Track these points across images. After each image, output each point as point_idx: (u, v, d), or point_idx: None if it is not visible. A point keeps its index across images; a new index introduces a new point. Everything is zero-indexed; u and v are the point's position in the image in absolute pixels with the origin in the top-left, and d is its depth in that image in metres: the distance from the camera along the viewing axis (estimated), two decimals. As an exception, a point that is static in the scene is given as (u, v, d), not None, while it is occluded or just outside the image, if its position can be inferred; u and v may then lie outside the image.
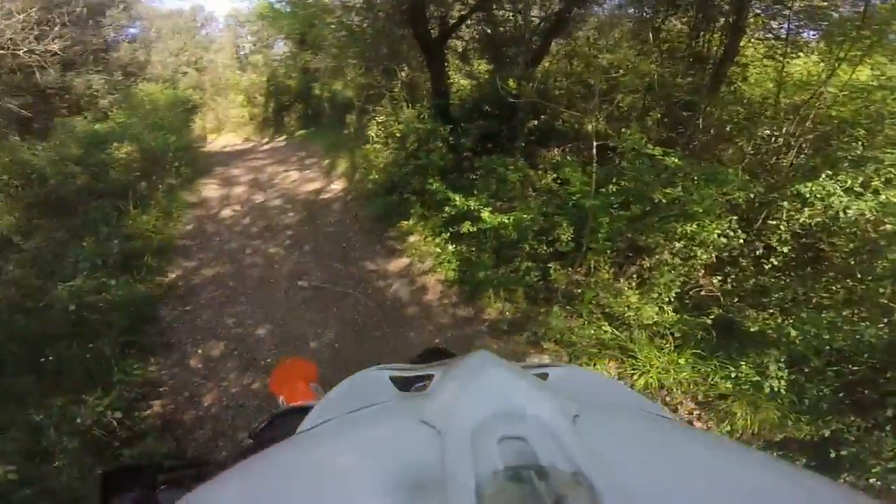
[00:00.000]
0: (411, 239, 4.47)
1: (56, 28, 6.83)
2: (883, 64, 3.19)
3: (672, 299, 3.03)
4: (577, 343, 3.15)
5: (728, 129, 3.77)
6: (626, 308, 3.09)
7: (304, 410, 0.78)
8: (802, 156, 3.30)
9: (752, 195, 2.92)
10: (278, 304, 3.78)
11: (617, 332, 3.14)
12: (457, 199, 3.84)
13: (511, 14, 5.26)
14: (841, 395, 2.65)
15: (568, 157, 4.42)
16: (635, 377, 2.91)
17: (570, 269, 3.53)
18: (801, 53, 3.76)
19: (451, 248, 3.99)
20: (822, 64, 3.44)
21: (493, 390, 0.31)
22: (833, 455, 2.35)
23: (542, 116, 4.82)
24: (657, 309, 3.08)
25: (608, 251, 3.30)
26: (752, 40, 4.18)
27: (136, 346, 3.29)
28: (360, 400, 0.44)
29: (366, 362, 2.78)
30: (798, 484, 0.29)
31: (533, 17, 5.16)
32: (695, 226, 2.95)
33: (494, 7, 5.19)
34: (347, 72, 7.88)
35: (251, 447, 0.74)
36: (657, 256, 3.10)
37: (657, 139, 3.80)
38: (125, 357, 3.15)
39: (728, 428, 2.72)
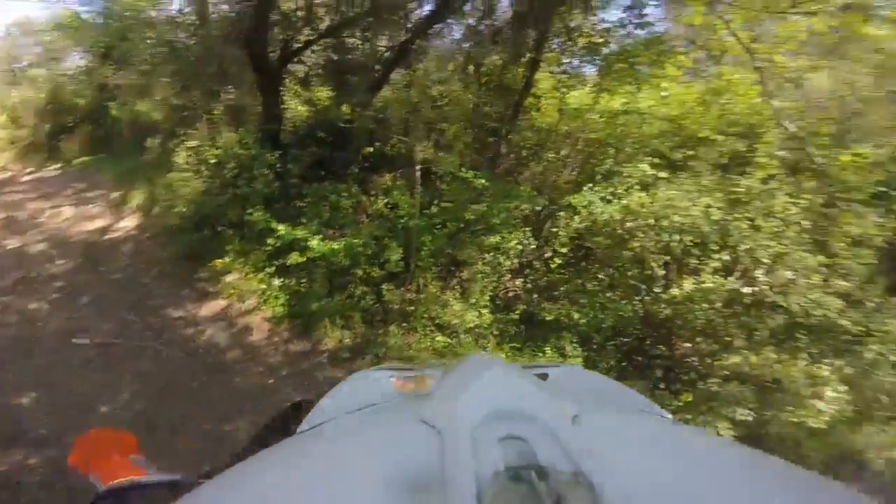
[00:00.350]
0: (228, 278, 3.97)
1: None
2: (630, 93, 4.12)
3: (487, 303, 3.42)
4: (416, 357, 3.24)
5: (523, 153, 4.50)
6: (452, 317, 3.35)
7: (141, 487, 0.64)
8: (574, 173, 4.12)
9: (537, 208, 3.55)
10: (47, 366, 3.14)
11: (448, 340, 3.35)
12: (281, 229, 3.61)
13: (360, 42, 5.31)
14: (623, 363, 3.34)
15: (397, 182, 4.61)
16: None
17: (402, 288, 3.64)
18: (580, 86, 4.69)
19: (277, 282, 3.71)
20: (591, 95, 4.34)
21: (493, 390, 0.31)
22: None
23: (377, 143, 4.94)
24: (476, 313, 3.41)
25: (432, 267, 3.55)
26: (547, 73, 5.07)
27: None
28: (360, 400, 0.44)
29: (182, 419, 2.24)
30: (796, 482, 0.29)
31: (380, 46, 5.30)
32: (498, 237, 3.43)
33: (345, 34, 5.18)
34: (157, 91, 6.99)
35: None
36: (473, 267, 3.48)
37: (471, 163, 4.29)
38: None
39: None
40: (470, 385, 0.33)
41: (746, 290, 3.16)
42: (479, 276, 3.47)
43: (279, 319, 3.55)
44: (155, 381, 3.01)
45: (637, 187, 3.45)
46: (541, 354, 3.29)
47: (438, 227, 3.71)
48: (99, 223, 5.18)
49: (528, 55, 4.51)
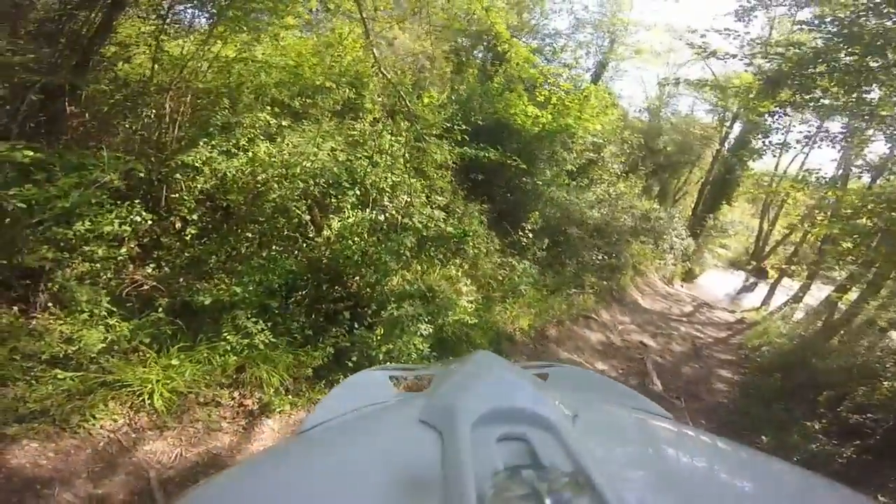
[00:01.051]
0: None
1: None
2: (246, 42, 3.69)
3: (109, 310, 2.57)
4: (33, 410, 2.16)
5: (108, 111, 3.49)
6: (66, 345, 2.35)
7: None
8: (184, 130, 3.47)
9: (141, 174, 2.85)
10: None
11: (76, 373, 2.36)
12: None
13: None
14: (313, 317, 3.24)
15: None
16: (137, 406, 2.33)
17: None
18: (186, 35, 3.92)
19: None
20: (198, 43, 3.69)
21: (493, 390, 0.34)
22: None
23: None
24: (102, 328, 2.54)
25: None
26: (137, 20, 4.00)
27: None
28: (360, 400, 0.46)
29: None
30: (794, 481, 0.31)
31: None
32: (87, 223, 2.55)
33: None
34: None
35: None
36: (60, 272, 2.50)
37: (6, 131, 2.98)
38: None
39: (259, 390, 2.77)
40: (469, 385, 0.35)
41: (381, 217, 3.61)
42: (75, 281, 2.52)
43: None
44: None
45: (262, 138, 3.28)
46: (222, 345, 2.77)
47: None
48: None
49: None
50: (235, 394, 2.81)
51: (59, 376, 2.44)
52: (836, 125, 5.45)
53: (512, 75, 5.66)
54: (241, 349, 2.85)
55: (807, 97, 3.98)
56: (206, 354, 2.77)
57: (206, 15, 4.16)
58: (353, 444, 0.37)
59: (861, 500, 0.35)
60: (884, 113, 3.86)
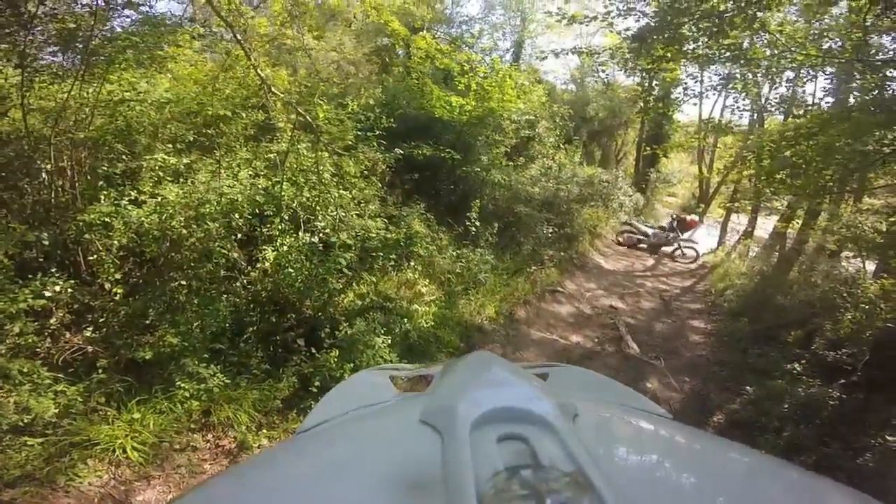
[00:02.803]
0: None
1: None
2: (129, 80, 3.41)
3: (46, 381, 2.40)
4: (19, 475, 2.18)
5: None
6: (17, 415, 2.20)
7: None
8: (82, 183, 3.19)
9: (45, 242, 2.61)
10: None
11: (43, 439, 2.28)
12: None
13: None
14: (270, 349, 3.16)
15: None
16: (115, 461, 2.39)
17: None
18: (57, 79, 3.58)
19: None
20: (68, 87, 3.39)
21: (493, 390, 0.34)
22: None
23: None
24: (49, 401, 2.38)
25: None
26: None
27: None
28: (360, 400, 0.46)
29: None
30: (794, 482, 0.31)
31: None
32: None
33: None
34: None
35: None
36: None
37: None
38: None
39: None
40: (469, 385, 0.35)
41: (315, 239, 3.49)
42: (6, 357, 2.30)
43: None
44: None
45: (168, 179, 3.08)
46: (180, 393, 2.72)
47: None
48: None
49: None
50: (209, 436, 2.81)
51: (28, 442, 2.37)
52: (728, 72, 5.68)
53: (430, 69, 5.63)
54: (199, 394, 2.80)
55: (680, 49, 4.13)
56: (165, 405, 2.73)
57: (78, 57, 3.88)
58: (352, 445, 0.36)
59: (866, 500, 0.34)
60: (755, 56, 4.09)
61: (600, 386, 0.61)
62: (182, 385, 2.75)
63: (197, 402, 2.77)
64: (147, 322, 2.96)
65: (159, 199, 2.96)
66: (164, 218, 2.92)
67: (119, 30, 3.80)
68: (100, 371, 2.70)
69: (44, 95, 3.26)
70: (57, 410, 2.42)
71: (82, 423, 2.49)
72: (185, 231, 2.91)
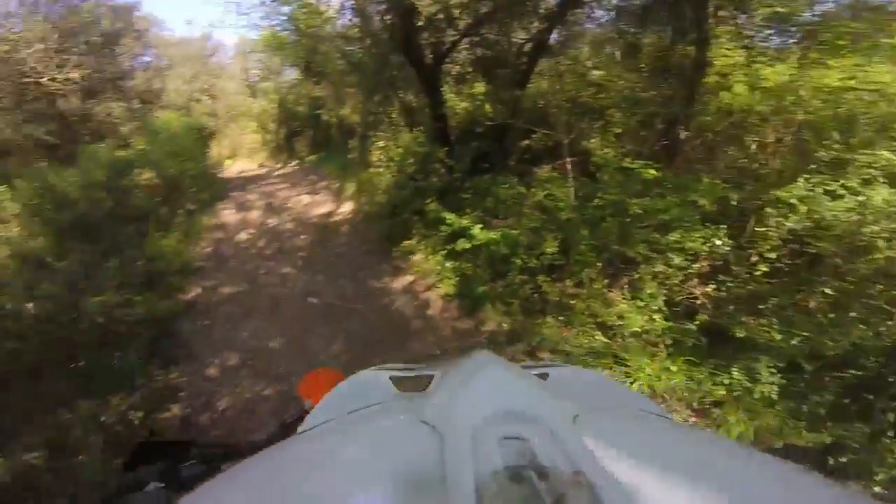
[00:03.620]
0: (414, 258, 4.67)
1: (74, 57, 7.22)
2: (858, 66, 3.21)
3: (661, 308, 3.13)
4: (571, 352, 3.26)
5: (713, 139, 3.88)
6: (616, 317, 3.21)
7: None
8: (784, 162, 3.38)
9: (733, 202, 3.03)
10: (291, 319, 3.98)
11: (608, 340, 3.24)
12: (450, 218, 4.04)
13: (499, 37, 5.48)
14: (845, 400, 2.66)
15: (556, 174, 4.59)
16: (626, 383, 3.02)
17: (561, 282, 3.66)
18: (777, 61, 3.83)
19: (448, 264, 4.16)
20: (792, 70, 3.50)
21: (493, 390, 0.31)
22: (835, 462, 2.33)
23: (534, 135, 4.85)
24: (646, 317, 3.19)
25: (597, 263, 3.44)
26: (728, 49, 4.29)
27: (158, 356, 3.57)
28: (360, 400, 0.44)
29: None
30: (797, 484, 0.29)
31: (518, 39, 5.34)
32: (677, 235, 3.08)
33: (483, 31, 5.42)
34: (349, 98, 8.16)
35: (277, 434, 0.78)
36: (644, 266, 3.23)
37: (636, 153, 3.96)
38: (148, 365, 3.40)
39: (724, 434, 2.77)
40: (470, 385, 0.33)
41: None
42: (652, 276, 3.20)
43: (451, 298, 3.99)
44: (359, 338, 3.61)
45: (882, 180, 2.63)
46: (725, 375, 2.89)
47: (600, 220, 3.58)
48: (326, 208, 6.47)
49: (699, 31, 3.85)
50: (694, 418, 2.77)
51: (598, 336, 3.30)
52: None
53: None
54: (735, 387, 2.67)
55: None
56: (702, 376, 2.79)
57: (795, 39, 3.79)
58: (352, 445, 0.33)
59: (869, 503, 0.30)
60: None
61: (601, 386, 0.52)
62: (732, 371, 2.67)
63: (722, 391, 2.66)
64: (763, 308, 2.98)
65: (863, 198, 2.64)
66: (857, 219, 2.62)
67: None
68: (690, 323, 2.95)
69: (761, 76, 3.47)
70: (637, 329, 2.97)
71: (637, 345, 2.96)
72: (881, 242, 2.50)
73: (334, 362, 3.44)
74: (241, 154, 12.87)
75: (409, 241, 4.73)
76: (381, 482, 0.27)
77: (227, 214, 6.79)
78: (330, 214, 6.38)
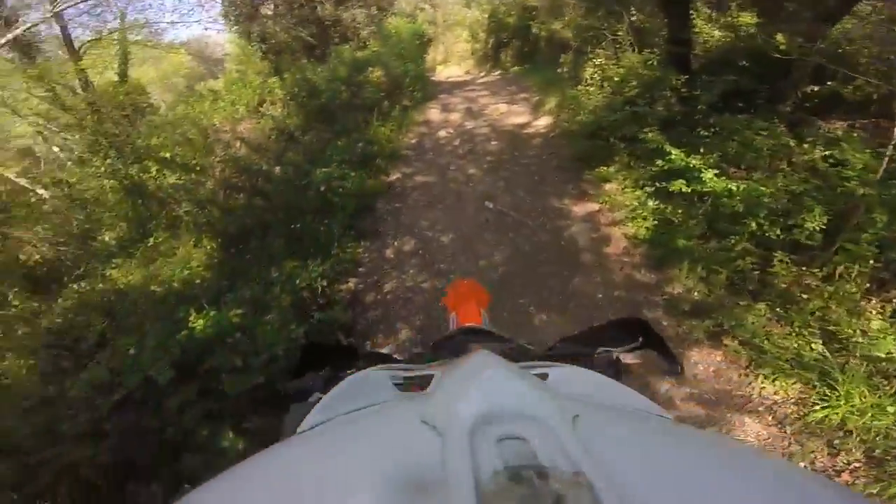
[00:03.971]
0: (607, 186, 4.21)
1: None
2: None
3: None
4: (767, 351, 2.60)
5: None
6: (858, 332, 2.35)
7: (475, 332, 0.86)
8: None
9: None
10: (465, 219, 4.04)
11: (827, 356, 2.43)
12: (675, 153, 3.40)
13: None
14: None
15: (853, 135, 3.40)
16: (816, 407, 2.33)
17: (807, 268, 2.82)
18: None
19: (651, 204, 3.61)
20: None
21: (493, 390, 0.31)
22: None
23: (829, 83, 3.72)
24: None
25: (873, 261, 2.50)
26: None
27: (354, 229, 3.92)
28: (360, 400, 0.44)
29: (525, 292, 3.31)
30: (800, 485, 0.29)
31: None
32: None
33: None
34: (566, 12, 7.76)
35: (430, 352, 0.81)
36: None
37: None
38: (345, 236, 3.75)
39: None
40: (470, 384, 0.33)
41: None
42: None
43: (638, 242, 3.53)
44: (523, 254, 3.48)
45: None
46: None
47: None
48: (522, 119, 6.25)
49: None
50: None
51: (817, 347, 2.44)
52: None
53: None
54: None
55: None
56: None
57: None
58: (351, 445, 0.33)
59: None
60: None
61: (601, 386, 0.52)
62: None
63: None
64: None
65: None
66: None
67: None
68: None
69: None
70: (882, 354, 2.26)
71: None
72: None
73: (492, 272, 3.42)
74: (451, 60, 13.46)
75: (606, 168, 4.27)
76: (381, 482, 0.26)
77: (433, 113, 7.25)
78: (525, 126, 6.20)
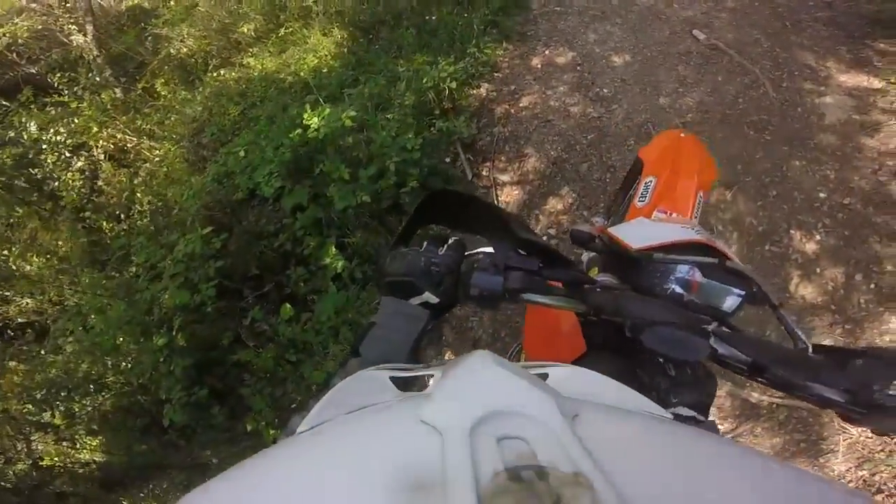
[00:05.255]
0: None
1: None
2: None
3: None
4: None
5: None
6: None
7: (696, 249, 0.71)
8: None
9: None
10: (654, 42, 3.04)
11: None
12: None
13: None
14: None
15: None
16: None
17: None
18: None
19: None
20: None
21: (493, 389, 0.31)
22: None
23: None
24: None
25: None
26: None
27: (498, 27, 3.26)
28: (360, 400, 0.41)
29: (715, 157, 1.32)
30: (801, 486, 0.29)
31: None
32: None
33: None
34: None
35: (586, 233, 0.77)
36: None
37: None
38: (485, 34, 3.20)
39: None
40: (470, 384, 0.32)
41: None
42: None
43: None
44: (723, 106, 2.59)
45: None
46: None
47: None
48: None
49: None
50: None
51: None
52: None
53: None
54: None
55: None
56: None
57: None
58: (351, 445, 0.32)
59: None
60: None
61: (601, 386, 0.48)
62: None
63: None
64: None
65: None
66: None
67: None
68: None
69: None
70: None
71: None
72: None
73: (674, 117, 2.59)
74: None
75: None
76: (381, 482, 0.25)
77: None
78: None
